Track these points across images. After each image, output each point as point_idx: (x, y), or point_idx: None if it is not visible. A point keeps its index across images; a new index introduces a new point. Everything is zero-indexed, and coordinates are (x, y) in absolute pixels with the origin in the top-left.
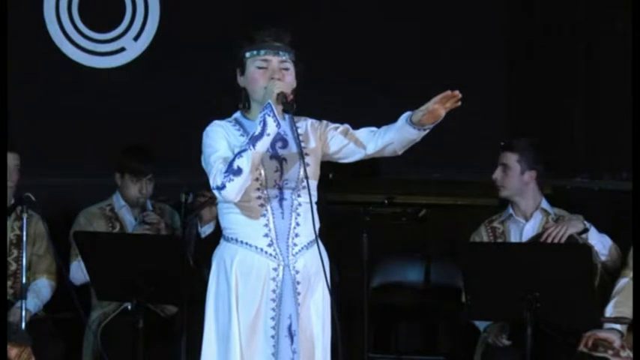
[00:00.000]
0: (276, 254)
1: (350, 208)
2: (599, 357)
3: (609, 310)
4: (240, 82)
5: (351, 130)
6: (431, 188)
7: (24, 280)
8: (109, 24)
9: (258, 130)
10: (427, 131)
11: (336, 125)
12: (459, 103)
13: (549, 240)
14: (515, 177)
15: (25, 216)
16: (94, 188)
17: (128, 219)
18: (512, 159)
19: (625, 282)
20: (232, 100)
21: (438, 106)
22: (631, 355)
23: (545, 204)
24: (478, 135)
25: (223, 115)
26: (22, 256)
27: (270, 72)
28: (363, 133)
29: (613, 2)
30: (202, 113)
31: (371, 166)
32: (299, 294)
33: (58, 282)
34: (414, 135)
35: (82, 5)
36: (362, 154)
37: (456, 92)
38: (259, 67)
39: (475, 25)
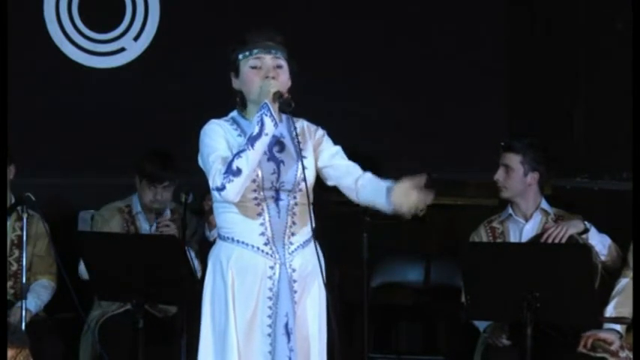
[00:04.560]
0: (273, 253)
1: (350, 208)
2: (597, 357)
3: (610, 311)
4: (236, 85)
5: (340, 154)
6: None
7: (24, 281)
8: (109, 24)
9: (256, 130)
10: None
11: (330, 144)
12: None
13: (550, 240)
14: (518, 178)
15: (25, 216)
16: (94, 188)
17: (143, 226)
18: (514, 160)
19: (625, 282)
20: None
21: (411, 191)
22: (630, 355)
23: (544, 204)
24: (478, 135)
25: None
26: (22, 257)
27: (264, 71)
28: (345, 163)
29: (613, 2)
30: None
31: (371, 166)
32: (295, 292)
33: (59, 282)
34: (384, 207)
35: (82, 5)
36: (334, 183)
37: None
38: (253, 67)
39: (475, 25)
